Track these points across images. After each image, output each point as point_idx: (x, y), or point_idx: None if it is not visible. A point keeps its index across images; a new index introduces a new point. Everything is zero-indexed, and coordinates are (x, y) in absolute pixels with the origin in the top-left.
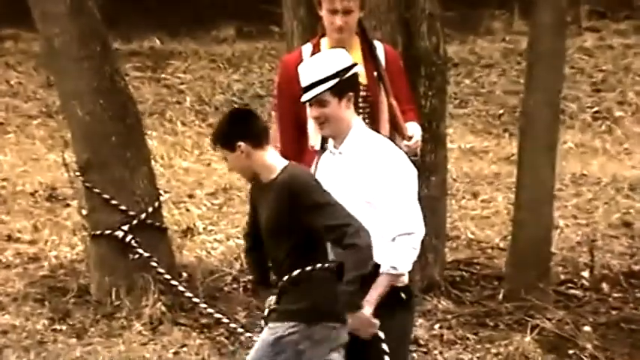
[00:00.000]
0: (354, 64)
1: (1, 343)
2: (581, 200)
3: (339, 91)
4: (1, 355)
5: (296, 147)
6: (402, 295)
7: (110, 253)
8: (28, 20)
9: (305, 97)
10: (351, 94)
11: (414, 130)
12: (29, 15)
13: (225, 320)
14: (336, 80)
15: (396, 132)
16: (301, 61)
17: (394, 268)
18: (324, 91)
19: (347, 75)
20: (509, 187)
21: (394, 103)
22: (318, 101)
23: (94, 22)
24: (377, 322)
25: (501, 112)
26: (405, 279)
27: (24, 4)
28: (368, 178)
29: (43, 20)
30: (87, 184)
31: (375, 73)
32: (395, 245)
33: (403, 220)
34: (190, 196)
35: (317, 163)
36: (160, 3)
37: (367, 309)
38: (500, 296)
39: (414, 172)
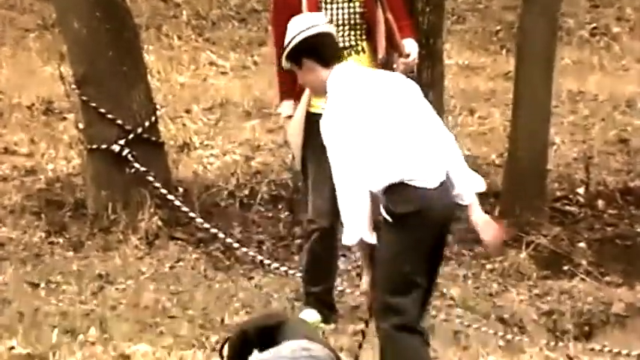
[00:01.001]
0: (306, 29)
1: None
2: (578, 117)
3: (293, 60)
4: None
5: None
6: (385, 215)
7: (107, 167)
8: None
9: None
10: (304, 59)
11: (410, 47)
12: None
13: (221, 235)
14: (286, 51)
15: (392, 49)
16: None
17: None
18: (286, 62)
19: (292, 44)
20: (506, 103)
21: (391, 18)
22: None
23: None
24: None
25: (499, 28)
26: (372, 240)
27: None
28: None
29: None
30: (83, 98)
31: None
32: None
33: (338, 188)
34: (187, 111)
35: None
36: None
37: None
38: (496, 213)
39: (355, 129)
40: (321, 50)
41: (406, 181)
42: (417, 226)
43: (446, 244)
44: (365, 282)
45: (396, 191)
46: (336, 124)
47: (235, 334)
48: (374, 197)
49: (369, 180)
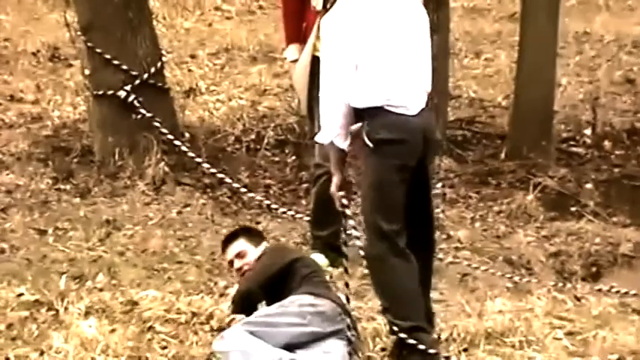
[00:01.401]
0: None
1: (6, 202)
2: (584, 58)
3: None
4: (6, 214)
5: (298, 6)
6: (366, 140)
7: (113, 113)
8: None
9: None
10: None
11: None
12: None
13: (228, 180)
14: None
15: None
16: None
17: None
18: None
19: None
20: (511, 45)
21: None
22: None
23: None
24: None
25: None
26: (343, 145)
27: None
28: None
29: None
30: (89, 45)
31: None
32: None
33: (322, 84)
34: (192, 57)
35: (318, 23)
36: None
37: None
38: (503, 155)
39: (356, 34)
40: None
41: (387, 107)
42: (399, 153)
43: (430, 171)
44: (334, 184)
45: (377, 116)
46: (339, 23)
47: (240, 292)
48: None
49: (353, 94)
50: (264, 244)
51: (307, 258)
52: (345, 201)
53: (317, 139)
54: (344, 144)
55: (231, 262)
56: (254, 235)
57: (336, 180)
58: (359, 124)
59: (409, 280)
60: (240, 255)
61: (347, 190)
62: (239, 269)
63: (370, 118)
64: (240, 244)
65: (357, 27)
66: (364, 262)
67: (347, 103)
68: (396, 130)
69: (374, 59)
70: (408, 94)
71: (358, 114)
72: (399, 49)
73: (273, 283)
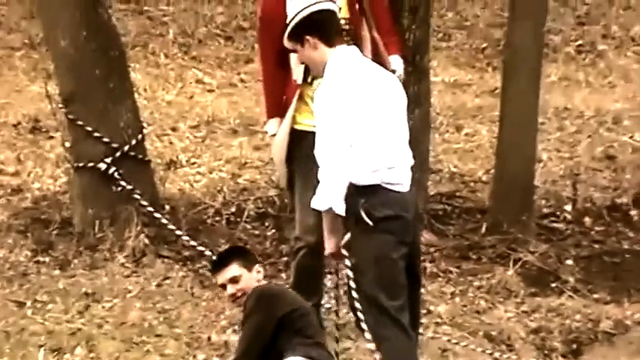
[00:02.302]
0: (311, 5)
1: None
2: (565, 133)
3: (295, 37)
4: None
5: (278, 80)
6: (365, 218)
7: (93, 185)
8: None
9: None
10: (307, 37)
11: (396, 63)
12: None
13: (208, 252)
14: (287, 31)
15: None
16: None
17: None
18: (288, 42)
19: (294, 22)
20: (492, 120)
21: (377, 36)
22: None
23: None
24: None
25: (485, 45)
26: (341, 211)
27: None
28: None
29: None
30: (70, 116)
31: (357, 6)
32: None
33: (320, 156)
34: (173, 129)
35: (298, 95)
36: None
37: (327, 247)
38: (483, 229)
39: (354, 107)
40: (325, 28)
41: (384, 184)
42: (398, 229)
43: (419, 246)
44: (329, 248)
45: (375, 194)
46: (333, 98)
47: None
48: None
49: (351, 172)
50: (256, 268)
51: (297, 304)
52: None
53: (313, 205)
54: (341, 210)
55: (223, 286)
56: (247, 258)
57: (331, 245)
58: (348, 236)
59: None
60: (233, 280)
61: (339, 256)
62: (232, 295)
63: (368, 196)
64: (234, 269)
65: (349, 106)
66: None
67: (346, 164)
68: (394, 207)
69: (368, 137)
70: (401, 171)
71: (354, 191)
72: (389, 126)
73: (265, 347)
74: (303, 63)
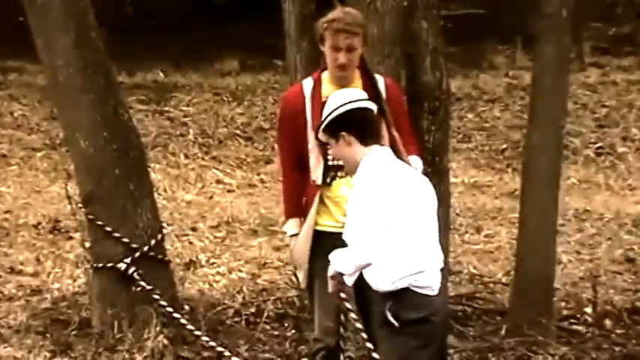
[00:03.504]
0: (346, 103)
1: None
2: (584, 236)
3: (331, 133)
4: None
5: (297, 180)
6: (392, 320)
7: (112, 286)
8: (33, 52)
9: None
10: (343, 133)
11: (415, 163)
12: (33, 47)
13: (227, 354)
14: (324, 124)
15: None
16: (302, 96)
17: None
18: (323, 135)
19: (331, 117)
20: (512, 222)
21: (396, 134)
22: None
23: (98, 54)
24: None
25: (504, 146)
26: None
27: (28, 36)
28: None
29: (47, 52)
30: (90, 217)
31: (376, 106)
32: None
33: (351, 239)
34: (193, 229)
35: (318, 197)
36: (163, 36)
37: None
38: (503, 331)
39: (387, 204)
40: (362, 126)
41: (413, 288)
42: (426, 332)
43: (447, 349)
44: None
45: (402, 296)
46: (368, 196)
47: None
48: None
49: (379, 277)
50: None
51: None
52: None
53: (330, 257)
54: (350, 281)
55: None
56: None
57: (332, 285)
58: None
59: None
60: None
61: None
62: None
63: (395, 298)
64: None
65: (384, 206)
66: None
67: (371, 258)
68: (422, 310)
69: (401, 240)
70: (431, 274)
71: (382, 292)
72: (422, 228)
73: None
74: (334, 159)
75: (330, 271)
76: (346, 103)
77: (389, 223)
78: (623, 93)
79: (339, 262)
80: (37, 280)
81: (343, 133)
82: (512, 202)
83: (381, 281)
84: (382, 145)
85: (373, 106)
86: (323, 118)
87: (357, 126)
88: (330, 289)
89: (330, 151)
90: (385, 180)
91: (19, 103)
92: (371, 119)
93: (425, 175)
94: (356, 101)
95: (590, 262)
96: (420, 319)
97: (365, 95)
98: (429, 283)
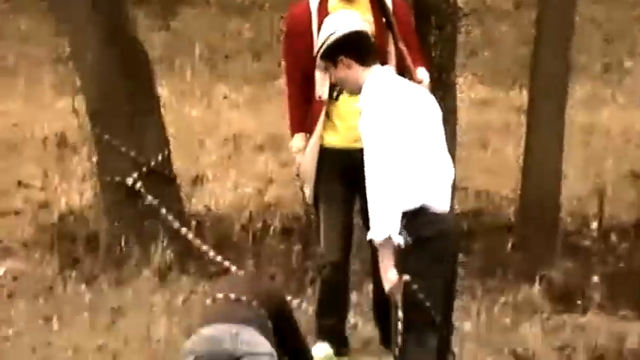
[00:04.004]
0: (345, 26)
1: (11, 289)
2: (591, 151)
3: (328, 57)
4: (11, 301)
5: (303, 96)
6: (407, 240)
7: (119, 201)
8: None
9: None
10: (341, 57)
11: (422, 74)
12: None
13: (234, 268)
14: (323, 48)
15: (404, 77)
16: (308, 11)
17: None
18: (321, 62)
19: (328, 43)
20: (518, 138)
21: (403, 48)
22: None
23: None
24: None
25: (512, 62)
26: (400, 240)
27: None
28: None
29: None
30: (96, 131)
31: (384, 20)
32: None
33: (372, 184)
34: (200, 145)
35: (324, 112)
36: None
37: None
38: (509, 247)
39: (398, 127)
40: (359, 47)
41: (426, 206)
42: (439, 248)
43: (457, 265)
44: (389, 282)
45: (417, 215)
46: (379, 124)
47: None
48: None
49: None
50: None
51: None
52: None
53: (371, 236)
54: (400, 239)
55: None
56: None
57: (391, 277)
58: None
59: None
60: None
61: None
62: None
63: (409, 217)
64: None
65: (395, 130)
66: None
67: (399, 202)
68: (436, 226)
69: (409, 159)
70: (439, 192)
71: None
72: (431, 145)
73: None
74: (335, 84)
75: (382, 258)
76: (340, 28)
77: (402, 145)
78: (630, 7)
79: (377, 231)
80: (44, 195)
81: (341, 57)
82: (518, 118)
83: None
84: (384, 63)
85: (367, 28)
86: (319, 46)
87: (355, 48)
88: (388, 285)
89: (324, 76)
90: (391, 102)
91: (26, 16)
92: (367, 39)
93: (431, 91)
94: (349, 24)
95: (596, 177)
96: (433, 236)
97: (358, 17)
98: (441, 199)
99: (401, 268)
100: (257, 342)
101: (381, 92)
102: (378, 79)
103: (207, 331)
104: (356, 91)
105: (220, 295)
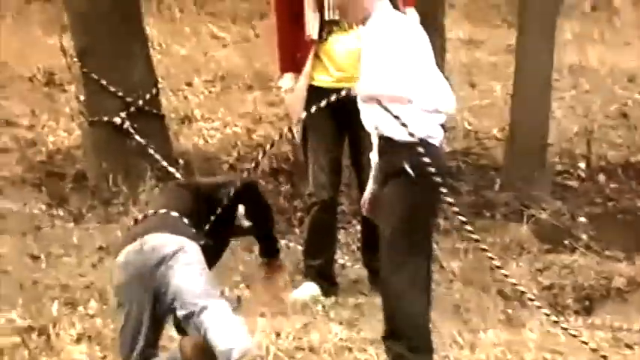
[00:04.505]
0: None
1: None
2: (579, 91)
3: None
4: None
5: (292, 35)
6: (410, 171)
7: (107, 139)
8: None
9: None
10: None
11: (412, 16)
12: None
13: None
14: None
15: None
16: None
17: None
18: None
19: None
20: (507, 77)
21: None
22: None
23: None
24: None
25: (500, 1)
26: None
27: None
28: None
29: None
30: (84, 70)
31: None
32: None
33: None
34: (188, 84)
35: (313, 52)
36: None
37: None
38: (497, 186)
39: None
40: None
41: (427, 138)
42: (436, 183)
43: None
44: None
45: (420, 147)
46: (391, 44)
47: None
48: None
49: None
50: None
51: None
52: None
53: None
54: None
55: None
56: None
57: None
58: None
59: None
60: None
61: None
62: None
63: (411, 150)
64: None
65: (405, 57)
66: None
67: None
68: (436, 160)
69: (424, 89)
70: (438, 126)
71: (395, 147)
72: (427, 80)
73: None
74: (331, 13)
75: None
76: None
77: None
78: None
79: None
80: (32, 133)
81: None
82: (507, 57)
83: (412, 128)
84: None
85: None
86: None
87: None
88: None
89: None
90: (404, 33)
91: None
92: None
93: None
94: None
95: (584, 117)
96: (432, 171)
97: None
98: (438, 134)
99: (408, 199)
100: (162, 243)
101: (394, 24)
102: (387, 11)
103: (120, 258)
104: (359, 19)
105: (140, 216)
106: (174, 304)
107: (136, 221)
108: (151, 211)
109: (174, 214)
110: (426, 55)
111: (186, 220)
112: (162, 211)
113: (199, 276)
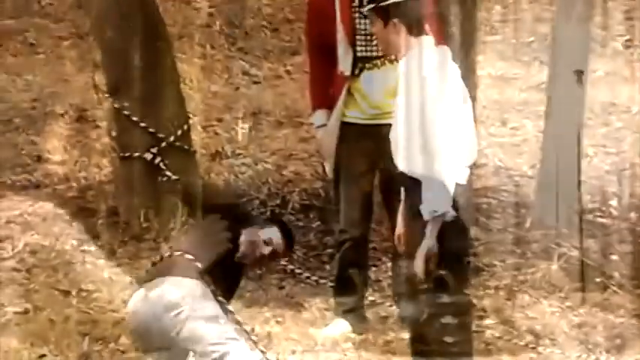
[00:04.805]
0: None
1: (30, 263)
2: (611, 129)
3: (383, 14)
4: (30, 275)
5: (325, 71)
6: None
7: (139, 175)
8: None
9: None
10: (395, 20)
11: (445, 53)
12: None
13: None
14: (381, 4)
15: None
16: None
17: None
18: (370, 9)
19: (391, 1)
20: (538, 114)
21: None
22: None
23: None
24: None
25: (532, 39)
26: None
27: None
28: None
29: None
30: (116, 106)
31: None
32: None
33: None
34: (219, 120)
35: (346, 88)
36: None
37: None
38: (528, 224)
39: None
40: (412, 18)
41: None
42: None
43: None
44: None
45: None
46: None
47: None
48: None
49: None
50: None
51: None
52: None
53: (432, 209)
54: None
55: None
56: None
57: (434, 250)
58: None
59: None
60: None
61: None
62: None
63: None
64: None
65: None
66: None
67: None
68: (462, 200)
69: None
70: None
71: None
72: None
73: None
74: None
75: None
76: None
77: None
78: None
79: (437, 201)
80: (63, 169)
81: (395, 21)
82: (538, 95)
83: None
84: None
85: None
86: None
87: (409, 17)
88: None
89: (372, 28)
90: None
91: None
92: (420, 12)
93: None
94: None
95: (615, 155)
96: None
97: None
98: (466, 173)
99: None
100: (165, 292)
101: (430, 63)
102: (425, 49)
103: (129, 306)
104: (391, 52)
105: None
106: (189, 353)
107: (154, 263)
108: (167, 254)
109: (189, 256)
110: (457, 99)
111: (199, 264)
112: (178, 253)
113: (212, 321)
